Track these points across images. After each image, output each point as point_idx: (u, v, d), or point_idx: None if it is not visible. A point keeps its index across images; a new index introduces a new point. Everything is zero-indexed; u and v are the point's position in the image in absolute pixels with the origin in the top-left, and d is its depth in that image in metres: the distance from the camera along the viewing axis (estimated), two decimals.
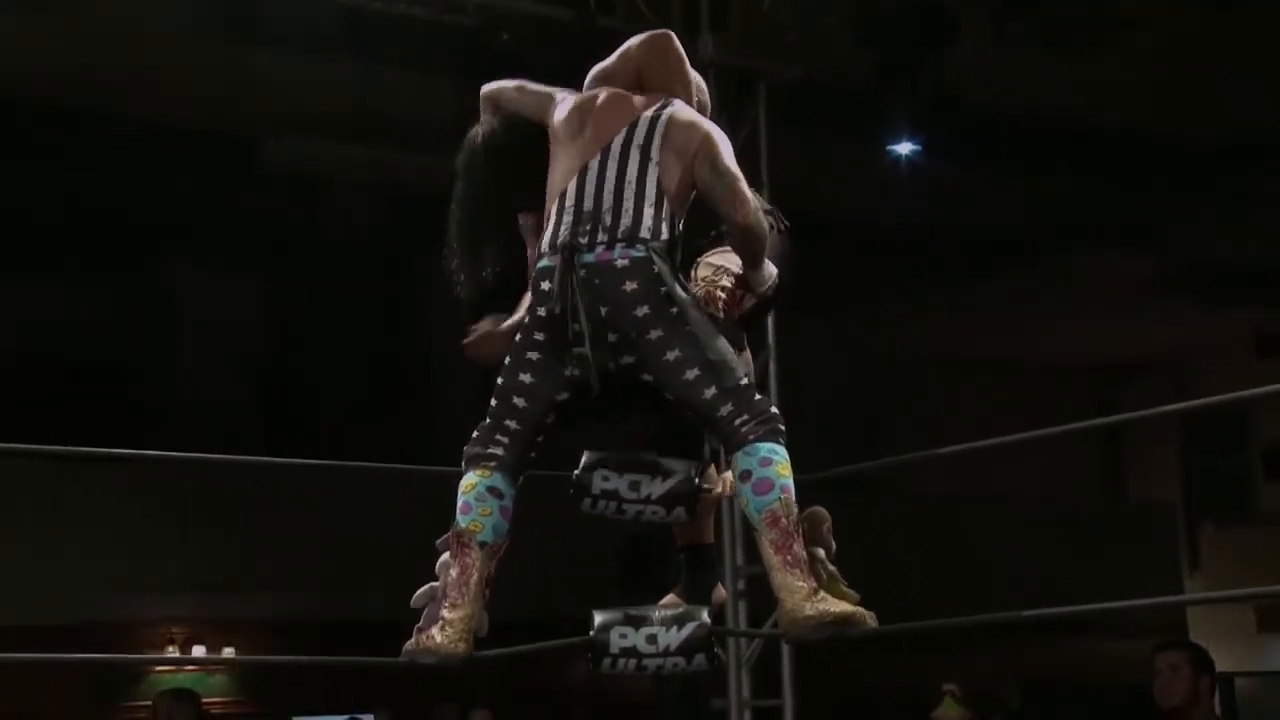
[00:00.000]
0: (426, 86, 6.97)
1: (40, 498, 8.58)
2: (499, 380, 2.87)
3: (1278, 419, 13.50)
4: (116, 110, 7.66)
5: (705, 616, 2.96)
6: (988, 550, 10.73)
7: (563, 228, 2.83)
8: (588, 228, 2.81)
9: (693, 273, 3.02)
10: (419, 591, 2.90)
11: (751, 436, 2.75)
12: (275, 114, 7.77)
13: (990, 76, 7.35)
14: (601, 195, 2.84)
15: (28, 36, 6.92)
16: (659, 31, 3.14)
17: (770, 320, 6.01)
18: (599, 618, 2.94)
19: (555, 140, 2.98)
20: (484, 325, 3.15)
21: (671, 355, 2.77)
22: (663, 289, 2.78)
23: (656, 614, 2.95)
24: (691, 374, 2.77)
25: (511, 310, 3.12)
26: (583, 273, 2.77)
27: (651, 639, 2.91)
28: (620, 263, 2.78)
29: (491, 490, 2.81)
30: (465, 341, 3.16)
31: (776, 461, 2.75)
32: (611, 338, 2.78)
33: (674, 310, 2.78)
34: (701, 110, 3.08)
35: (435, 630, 2.75)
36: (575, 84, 3.14)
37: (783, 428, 2.78)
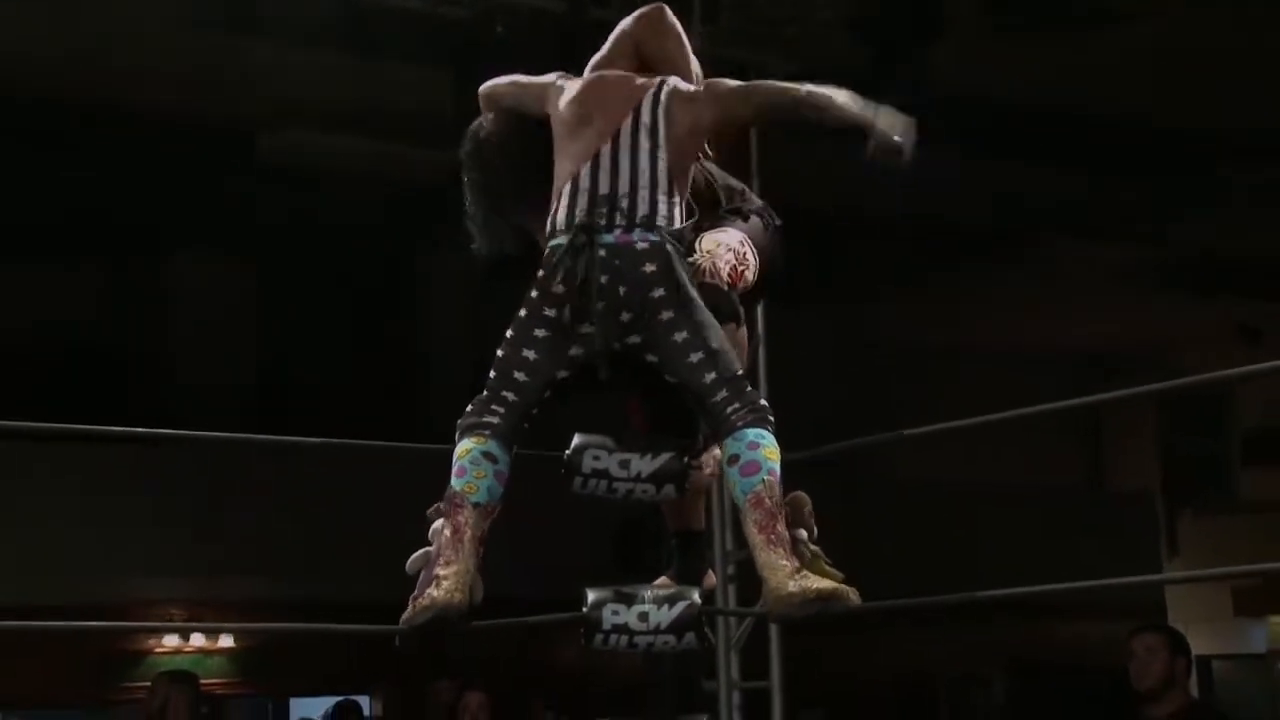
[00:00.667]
0: (422, 78, 6.96)
1: (41, 481, 8.58)
2: (499, 353, 2.88)
3: (1256, 407, 13.55)
4: (116, 102, 7.65)
5: (696, 596, 2.99)
6: (969, 536, 10.77)
7: (578, 209, 2.86)
8: (604, 210, 2.84)
9: (696, 245, 3.04)
10: (413, 556, 2.89)
11: (741, 423, 2.78)
12: (272, 105, 7.77)
13: (977, 69, 7.36)
14: (617, 181, 2.87)
15: (30, 30, 6.91)
16: (652, 5, 3.17)
17: (760, 309, 6.02)
18: (592, 595, 2.96)
19: (560, 125, 3.00)
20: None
21: (679, 337, 2.81)
22: (675, 274, 2.83)
23: (648, 593, 2.98)
24: (695, 357, 2.80)
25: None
26: (602, 252, 2.81)
27: (643, 616, 2.92)
28: (640, 245, 2.82)
29: (486, 455, 2.82)
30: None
31: (764, 446, 2.78)
32: (625, 316, 2.81)
33: (684, 295, 2.82)
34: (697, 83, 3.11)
35: (431, 588, 2.74)
36: (570, 72, 3.15)
37: (771, 417, 2.82)
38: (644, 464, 2.99)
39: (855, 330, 11.65)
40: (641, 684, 8.10)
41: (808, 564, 2.83)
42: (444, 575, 2.74)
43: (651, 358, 2.83)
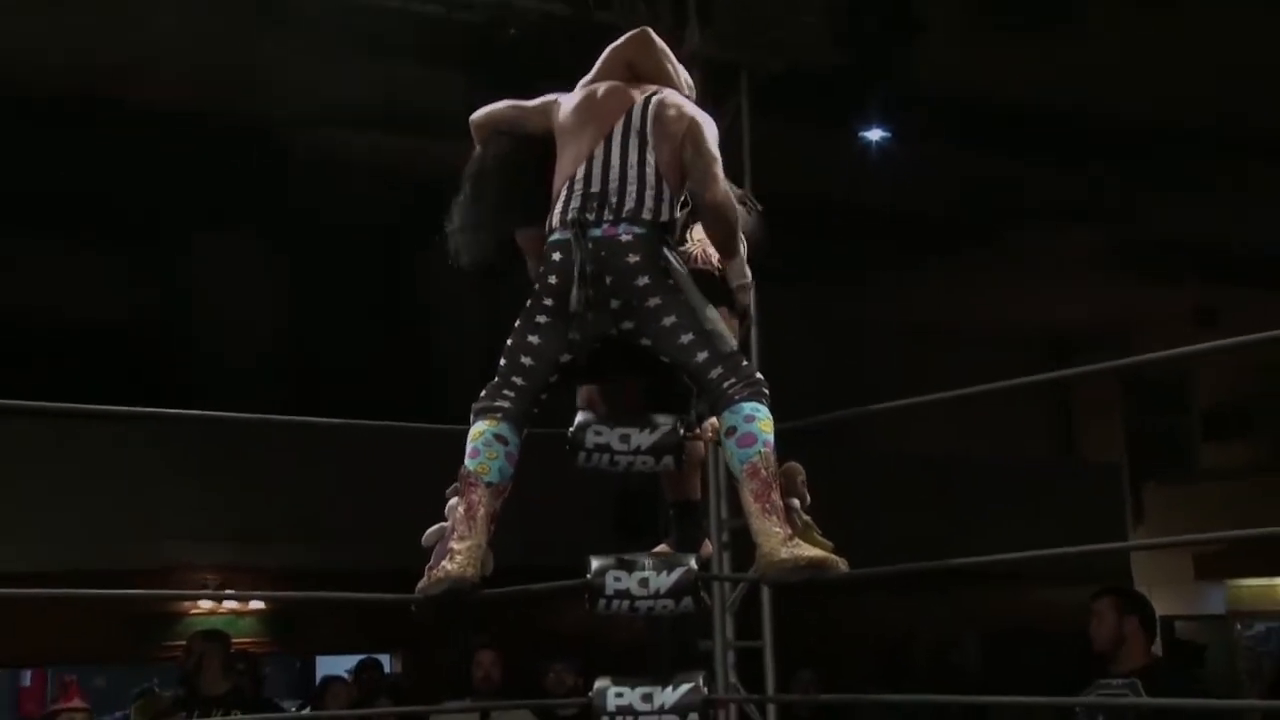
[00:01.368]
0: (437, 78, 6.95)
1: (88, 455, 8.60)
2: (509, 341, 2.90)
3: (1215, 385, 13.56)
4: (149, 98, 7.65)
5: (693, 563, 2.99)
6: (947, 506, 10.77)
7: (572, 206, 2.87)
8: (595, 205, 2.85)
9: (687, 235, 3.04)
10: (429, 530, 2.91)
11: (737, 397, 2.79)
12: (296, 103, 7.76)
13: (952, 68, 7.34)
14: (607, 178, 2.88)
15: (70, 31, 6.91)
16: (639, 29, 3.18)
17: (751, 293, 6.01)
18: (595, 563, 2.96)
19: (561, 133, 3.02)
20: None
21: (668, 321, 2.81)
22: (661, 263, 2.83)
23: (648, 560, 2.98)
24: (686, 339, 2.81)
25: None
26: (590, 245, 2.82)
27: (643, 582, 2.93)
28: (624, 238, 2.83)
29: (498, 437, 2.83)
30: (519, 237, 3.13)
31: (759, 419, 2.78)
32: (614, 304, 2.82)
33: (671, 282, 2.83)
34: (688, 98, 3.09)
35: (445, 561, 2.76)
36: (574, 76, 3.14)
37: (766, 391, 2.82)
38: (643, 438, 3.00)
39: (839, 312, 11.62)
40: (641, 645, 8.10)
41: (800, 532, 2.83)
42: (457, 550, 2.76)
43: (645, 341, 2.84)
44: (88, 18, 6.75)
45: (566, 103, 3.05)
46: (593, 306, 2.80)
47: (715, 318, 2.86)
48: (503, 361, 2.89)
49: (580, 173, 2.90)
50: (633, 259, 2.81)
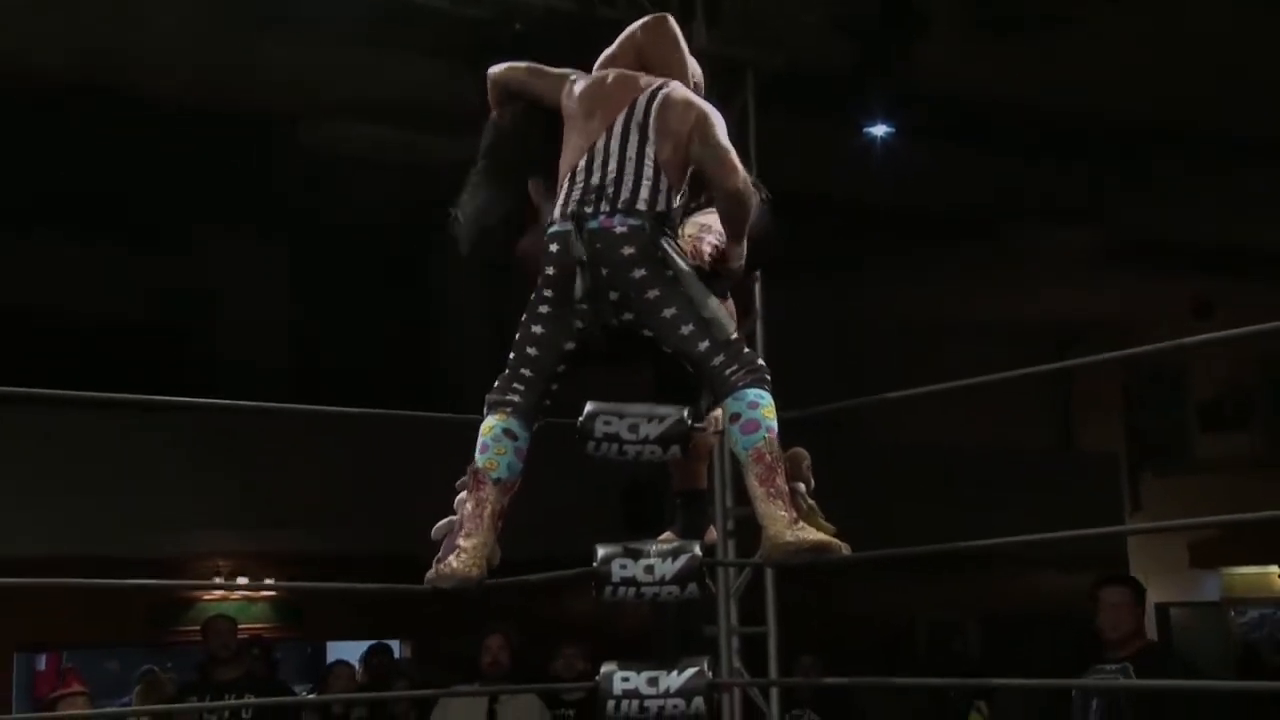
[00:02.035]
0: (443, 72, 6.93)
1: (104, 446, 8.62)
2: (516, 335, 2.88)
3: (1211, 377, 13.54)
4: (160, 95, 7.63)
5: (698, 550, 2.98)
6: (947, 497, 10.75)
7: (572, 199, 2.85)
8: (593, 197, 2.83)
9: (680, 229, 3.02)
10: (438, 524, 2.92)
11: (741, 384, 2.78)
12: (304, 97, 7.75)
13: (954, 65, 7.32)
14: (606, 170, 2.85)
15: (82, 28, 6.89)
16: (658, 14, 3.15)
17: (757, 286, 6.00)
18: (602, 551, 2.96)
19: (568, 118, 2.99)
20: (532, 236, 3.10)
21: (668, 313, 2.79)
22: (658, 254, 2.80)
23: (654, 548, 2.98)
24: (686, 329, 2.79)
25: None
26: (587, 237, 2.79)
27: (649, 570, 2.92)
28: (619, 229, 2.80)
29: (507, 432, 2.83)
30: (518, 246, 3.13)
31: (762, 405, 2.77)
32: (613, 296, 2.80)
33: (669, 273, 2.80)
34: (696, 89, 3.07)
35: (452, 558, 2.77)
36: (581, 68, 3.13)
37: (769, 376, 2.81)
38: (651, 428, 2.98)
39: (845, 306, 11.61)
40: (647, 630, 8.11)
41: (804, 516, 2.83)
42: (464, 547, 2.76)
43: (647, 332, 2.83)
44: (92, 15, 6.73)
45: (579, 85, 3.02)
46: (593, 298, 2.79)
47: (715, 306, 2.84)
48: (511, 354, 2.89)
49: (582, 164, 2.88)
50: (628, 251, 2.79)
